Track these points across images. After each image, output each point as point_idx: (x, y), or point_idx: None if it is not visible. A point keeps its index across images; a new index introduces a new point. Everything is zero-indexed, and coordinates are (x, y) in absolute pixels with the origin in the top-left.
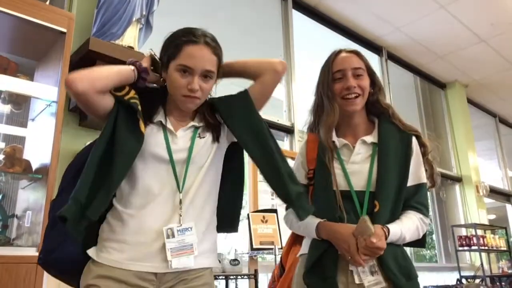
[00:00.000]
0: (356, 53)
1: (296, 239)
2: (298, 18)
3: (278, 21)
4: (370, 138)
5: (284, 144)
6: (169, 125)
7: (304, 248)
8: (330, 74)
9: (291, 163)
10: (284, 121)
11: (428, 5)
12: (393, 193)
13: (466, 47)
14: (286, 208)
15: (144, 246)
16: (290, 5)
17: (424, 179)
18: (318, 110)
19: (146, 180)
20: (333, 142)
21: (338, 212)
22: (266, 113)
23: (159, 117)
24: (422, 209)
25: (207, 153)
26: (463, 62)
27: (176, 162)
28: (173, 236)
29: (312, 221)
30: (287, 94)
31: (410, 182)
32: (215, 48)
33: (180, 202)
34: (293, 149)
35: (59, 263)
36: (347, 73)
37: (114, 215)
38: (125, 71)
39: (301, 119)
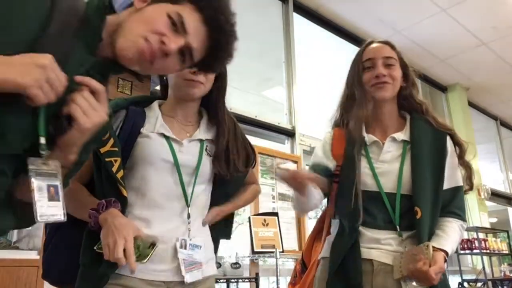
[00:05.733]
0: (389, 43)
1: (317, 235)
2: (299, 21)
3: (279, 24)
4: (401, 135)
5: (285, 147)
6: (172, 135)
7: (325, 251)
8: (360, 64)
9: (292, 166)
10: (285, 124)
11: (429, 9)
12: (431, 197)
13: (467, 50)
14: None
15: (154, 256)
16: (291, 8)
17: (460, 181)
18: (347, 103)
19: (152, 191)
20: (363, 137)
21: (362, 215)
22: (267, 116)
23: (159, 128)
24: (462, 214)
25: (211, 168)
26: (464, 65)
27: (183, 173)
28: (185, 248)
29: None
30: (288, 97)
31: (446, 185)
32: None
33: (189, 216)
34: (294, 152)
35: (60, 276)
36: (377, 62)
37: None
38: (85, 217)
39: (302, 122)
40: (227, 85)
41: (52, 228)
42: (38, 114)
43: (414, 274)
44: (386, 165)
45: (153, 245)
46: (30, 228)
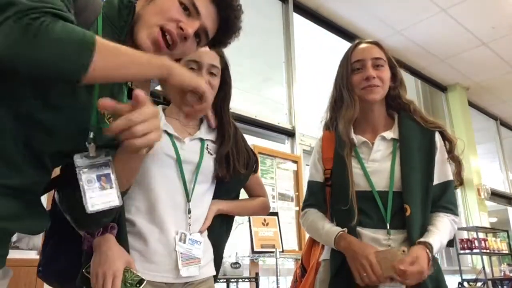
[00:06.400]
0: (377, 44)
1: (315, 240)
2: (299, 21)
3: (279, 24)
4: (390, 134)
5: (284, 147)
6: (175, 132)
7: (326, 253)
8: (349, 65)
9: (292, 165)
10: (285, 124)
11: (429, 8)
12: (421, 193)
13: (467, 50)
14: (303, 208)
15: (153, 254)
16: (291, 8)
17: (450, 176)
18: (337, 104)
19: (155, 185)
20: (352, 139)
21: (358, 216)
22: (267, 116)
23: (162, 126)
24: (453, 209)
25: (213, 169)
26: (464, 65)
27: (185, 169)
28: (184, 242)
29: (333, 230)
30: (288, 97)
31: (436, 181)
32: (219, 49)
33: (189, 211)
34: (294, 152)
35: (59, 275)
36: (367, 63)
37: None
38: None
39: (302, 122)
40: (231, 94)
41: (52, 227)
42: (91, 112)
43: (408, 277)
44: (377, 164)
45: (140, 282)
46: None
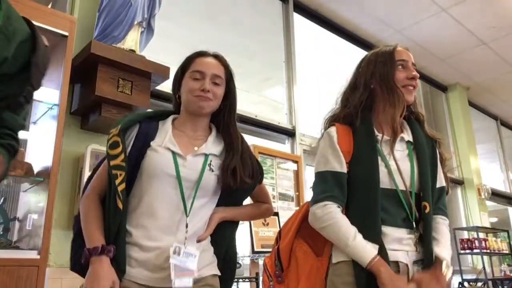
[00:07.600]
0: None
1: (299, 231)
2: (299, 21)
3: (279, 24)
4: (407, 137)
5: (285, 147)
6: (178, 150)
7: (341, 254)
8: (394, 62)
9: (292, 165)
10: (285, 123)
11: (430, 8)
12: (431, 194)
13: (468, 50)
14: (321, 200)
15: (149, 263)
16: (291, 8)
17: (444, 182)
18: (363, 96)
19: (155, 201)
20: (376, 136)
21: (381, 214)
22: (267, 116)
23: (167, 142)
24: (445, 211)
25: (214, 185)
26: (465, 64)
27: (185, 186)
28: (179, 254)
29: (368, 248)
30: (288, 97)
31: (437, 184)
32: (223, 60)
33: (186, 226)
34: (294, 152)
35: (83, 269)
36: (409, 65)
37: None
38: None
39: (302, 122)
40: (236, 103)
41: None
42: None
43: None
44: (398, 163)
45: None
46: (30, 227)
